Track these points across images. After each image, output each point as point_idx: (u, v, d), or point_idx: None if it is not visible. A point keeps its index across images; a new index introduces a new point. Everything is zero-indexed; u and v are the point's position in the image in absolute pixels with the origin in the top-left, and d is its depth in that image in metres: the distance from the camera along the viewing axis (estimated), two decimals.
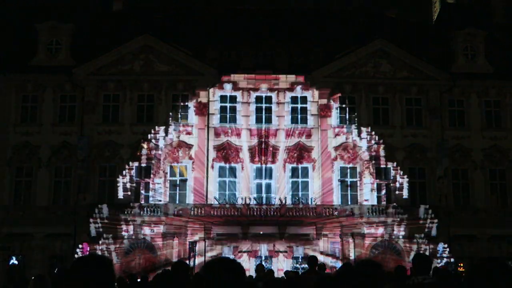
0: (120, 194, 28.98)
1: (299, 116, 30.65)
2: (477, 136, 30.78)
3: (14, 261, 28.15)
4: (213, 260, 2.99)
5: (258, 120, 30.50)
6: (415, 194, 29.93)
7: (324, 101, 30.50)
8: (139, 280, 14.00)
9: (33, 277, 8.62)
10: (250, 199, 28.95)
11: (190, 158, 29.86)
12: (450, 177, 30.15)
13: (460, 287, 6.76)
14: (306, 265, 23.13)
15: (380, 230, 28.41)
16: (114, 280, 2.98)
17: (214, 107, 30.59)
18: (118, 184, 29.04)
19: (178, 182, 29.93)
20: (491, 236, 29.32)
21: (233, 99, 30.77)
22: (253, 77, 30.52)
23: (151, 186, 29.47)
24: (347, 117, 30.62)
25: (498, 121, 31.27)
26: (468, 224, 29.31)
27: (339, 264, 25.59)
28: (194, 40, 31.51)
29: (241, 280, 2.87)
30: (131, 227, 27.93)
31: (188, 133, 30.12)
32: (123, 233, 27.89)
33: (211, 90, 30.61)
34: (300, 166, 30.07)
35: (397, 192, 29.35)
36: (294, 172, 30.14)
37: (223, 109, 30.74)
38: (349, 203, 29.49)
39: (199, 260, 25.66)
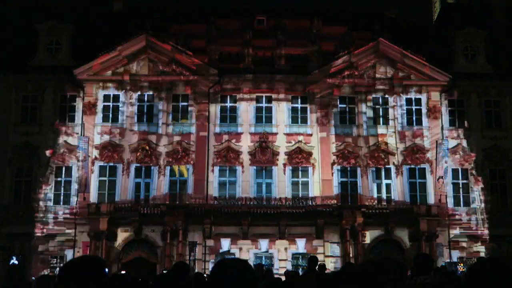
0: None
1: (299, 116, 30.65)
2: (477, 136, 30.78)
3: (14, 261, 28.12)
4: (223, 260, 2.99)
5: (258, 120, 30.51)
6: (415, 195, 29.88)
7: (325, 101, 30.49)
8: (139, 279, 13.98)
9: (33, 278, 8.64)
10: (250, 199, 28.96)
11: (191, 158, 29.87)
12: (450, 177, 30.12)
13: (460, 287, 6.76)
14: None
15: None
16: (108, 281, 2.99)
17: (214, 107, 30.58)
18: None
19: (178, 182, 29.92)
20: (491, 236, 29.32)
21: (233, 99, 30.77)
22: (253, 78, 30.50)
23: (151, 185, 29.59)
24: (348, 117, 30.68)
25: (498, 121, 31.26)
26: (468, 224, 29.34)
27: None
28: (194, 40, 31.50)
29: (252, 281, 2.86)
30: None
31: (188, 133, 30.12)
32: None
33: (211, 90, 30.61)
34: (300, 165, 30.04)
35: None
36: (294, 172, 30.13)
37: (223, 110, 30.74)
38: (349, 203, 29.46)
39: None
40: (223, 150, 29.91)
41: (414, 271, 6.26)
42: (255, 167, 29.90)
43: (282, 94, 30.71)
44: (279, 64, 31.07)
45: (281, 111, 30.61)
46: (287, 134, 30.28)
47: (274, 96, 30.75)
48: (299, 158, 29.96)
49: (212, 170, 29.77)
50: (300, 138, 30.22)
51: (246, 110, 30.59)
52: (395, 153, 29.99)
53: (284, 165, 29.94)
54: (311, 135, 30.36)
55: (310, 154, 30.04)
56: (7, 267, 28.24)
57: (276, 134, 30.27)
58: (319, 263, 11.89)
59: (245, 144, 30.09)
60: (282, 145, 30.14)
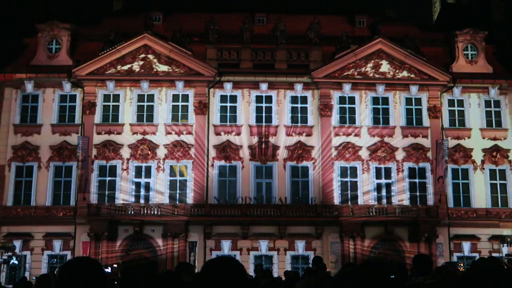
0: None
1: (299, 115, 30.65)
2: (477, 136, 30.78)
3: (14, 261, 28.14)
4: (213, 259, 2.99)
5: (258, 120, 30.51)
6: (415, 195, 29.88)
7: (325, 100, 30.51)
8: None
9: (34, 277, 8.63)
10: (250, 198, 29.00)
11: (191, 158, 29.89)
12: (450, 177, 30.14)
13: (460, 287, 6.77)
14: (307, 266, 23.11)
15: None
16: (106, 281, 3.00)
17: (214, 107, 30.59)
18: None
19: (178, 182, 29.91)
20: (491, 236, 29.36)
21: (233, 98, 30.78)
22: (253, 77, 30.52)
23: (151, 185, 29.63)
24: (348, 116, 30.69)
25: (498, 121, 31.26)
26: (468, 224, 29.38)
27: None
28: (194, 40, 31.53)
29: (241, 278, 2.87)
30: None
31: (189, 133, 30.13)
32: None
33: (211, 90, 30.64)
34: (300, 165, 30.04)
35: None
36: (294, 171, 30.14)
37: (223, 109, 30.74)
38: (349, 203, 29.47)
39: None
40: (223, 146, 29.89)
41: (413, 272, 6.28)
42: (255, 163, 29.88)
43: (282, 93, 30.67)
44: (279, 62, 31.03)
45: (281, 109, 30.59)
46: (287, 133, 30.27)
47: (274, 94, 30.72)
48: (299, 156, 29.89)
49: (213, 165, 29.76)
50: (300, 136, 30.20)
51: (246, 108, 30.57)
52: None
53: (284, 163, 29.95)
54: (310, 134, 30.34)
55: (309, 151, 30.01)
56: (7, 267, 28.25)
57: (276, 132, 30.26)
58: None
59: (245, 141, 30.08)
60: (282, 140, 30.08)
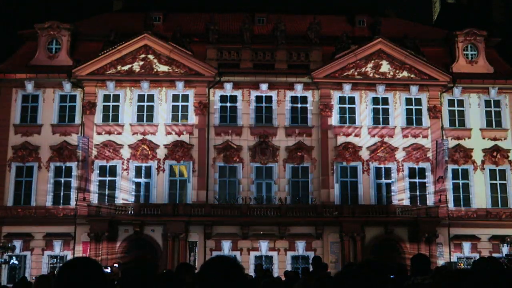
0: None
1: (299, 115, 30.65)
2: (477, 136, 30.78)
3: (14, 261, 28.15)
4: (212, 258, 3.00)
5: (258, 120, 30.51)
6: (415, 195, 29.88)
7: (325, 100, 30.50)
8: None
9: (34, 277, 8.63)
10: (250, 199, 28.99)
11: (191, 158, 29.88)
12: (450, 177, 30.13)
13: (459, 287, 6.77)
14: (307, 266, 23.12)
15: None
16: (106, 282, 3.00)
17: (214, 107, 30.59)
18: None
19: (178, 182, 29.92)
20: (491, 236, 29.36)
21: (233, 99, 30.77)
22: (253, 77, 30.51)
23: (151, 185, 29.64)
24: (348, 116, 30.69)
25: (498, 121, 31.26)
26: (468, 224, 29.37)
27: None
28: (194, 40, 31.53)
29: (241, 278, 2.88)
30: None
31: (189, 133, 30.13)
32: None
33: (211, 90, 30.64)
34: (300, 165, 30.03)
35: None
36: (294, 171, 30.13)
37: (223, 109, 30.73)
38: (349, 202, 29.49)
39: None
40: (223, 147, 29.88)
41: (412, 272, 6.28)
42: (255, 164, 29.87)
43: (282, 93, 30.67)
44: (279, 62, 31.03)
45: (281, 110, 30.58)
46: (287, 133, 30.26)
47: (274, 94, 30.71)
48: (299, 157, 29.88)
49: (213, 166, 29.77)
50: (300, 136, 30.20)
51: (246, 109, 30.57)
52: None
53: (284, 164, 29.94)
54: (310, 134, 30.35)
55: (309, 152, 30.01)
56: (7, 267, 28.25)
57: (276, 132, 30.25)
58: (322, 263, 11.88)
59: (245, 141, 30.06)
60: (282, 141, 30.07)
